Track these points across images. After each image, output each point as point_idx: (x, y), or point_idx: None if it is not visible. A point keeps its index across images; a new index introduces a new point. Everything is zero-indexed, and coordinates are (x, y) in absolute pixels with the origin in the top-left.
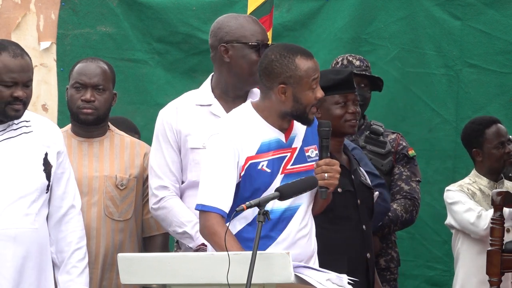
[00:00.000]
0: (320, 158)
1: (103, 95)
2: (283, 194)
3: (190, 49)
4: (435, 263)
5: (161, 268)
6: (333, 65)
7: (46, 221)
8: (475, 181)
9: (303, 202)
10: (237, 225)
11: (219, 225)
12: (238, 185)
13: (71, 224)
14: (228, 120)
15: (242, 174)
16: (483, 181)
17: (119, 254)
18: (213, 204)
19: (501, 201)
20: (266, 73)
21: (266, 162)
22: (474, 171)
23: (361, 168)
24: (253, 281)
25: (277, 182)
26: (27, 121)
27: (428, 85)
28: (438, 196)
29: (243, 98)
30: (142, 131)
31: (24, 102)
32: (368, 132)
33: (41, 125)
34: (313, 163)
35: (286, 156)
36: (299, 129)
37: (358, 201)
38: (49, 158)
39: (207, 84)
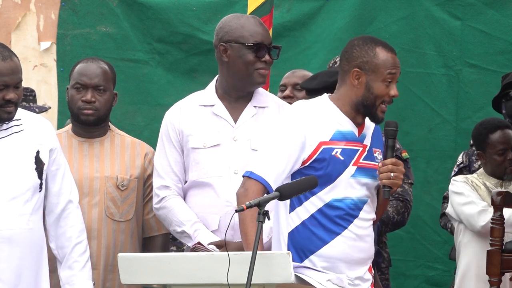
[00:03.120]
0: (385, 157)
1: (103, 95)
2: (283, 194)
3: (191, 49)
4: (435, 263)
5: (161, 268)
6: (330, 64)
7: (43, 219)
8: (482, 178)
9: (369, 197)
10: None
11: (254, 193)
12: (311, 167)
13: (70, 219)
14: (305, 103)
15: (315, 157)
16: (491, 180)
17: (119, 254)
18: (259, 173)
19: (501, 201)
20: (346, 56)
21: (340, 150)
22: (482, 170)
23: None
24: (253, 281)
25: (349, 172)
26: (17, 120)
27: (428, 85)
28: (438, 196)
29: (246, 99)
30: (144, 131)
31: (15, 103)
32: None
33: (33, 123)
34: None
35: (359, 150)
36: (368, 130)
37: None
38: (41, 156)
39: (212, 84)
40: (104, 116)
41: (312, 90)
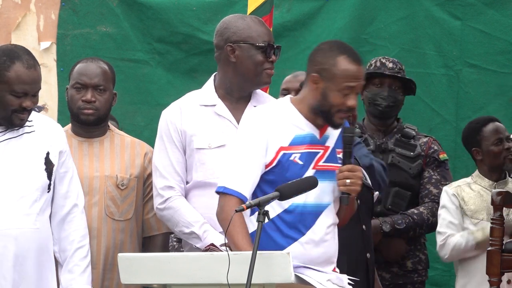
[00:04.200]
0: (343, 164)
1: (103, 95)
2: (283, 193)
3: (191, 49)
4: (435, 263)
5: (161, 268)
6: (366, 67)
7: (49, 220)
8: (476, 181)
9: (331, 202)
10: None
11: (231, 209)
12: (271, 172)
13: (73, 223)
14: (265, 109)
15: (275, 163)
16: (484, 182)
17: (119, 254)
18: (233, 188)
19: (501, 201)
20: (310, 59)
21: (298, 155)
22: (477, 172)
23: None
24: (253, 281)
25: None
26: (29, 121)
27: (428, 85)
28: None
29: (247, 99)
30: (144, 131)
31: (29, 111)
32: (400, 135)
33: (44, 125)
34: None
35: (319, 152)
36: (332, 131)
37: (358, 201)
38: (50, 157)
39: (210, 84)
40: (104, 115)
41: None
